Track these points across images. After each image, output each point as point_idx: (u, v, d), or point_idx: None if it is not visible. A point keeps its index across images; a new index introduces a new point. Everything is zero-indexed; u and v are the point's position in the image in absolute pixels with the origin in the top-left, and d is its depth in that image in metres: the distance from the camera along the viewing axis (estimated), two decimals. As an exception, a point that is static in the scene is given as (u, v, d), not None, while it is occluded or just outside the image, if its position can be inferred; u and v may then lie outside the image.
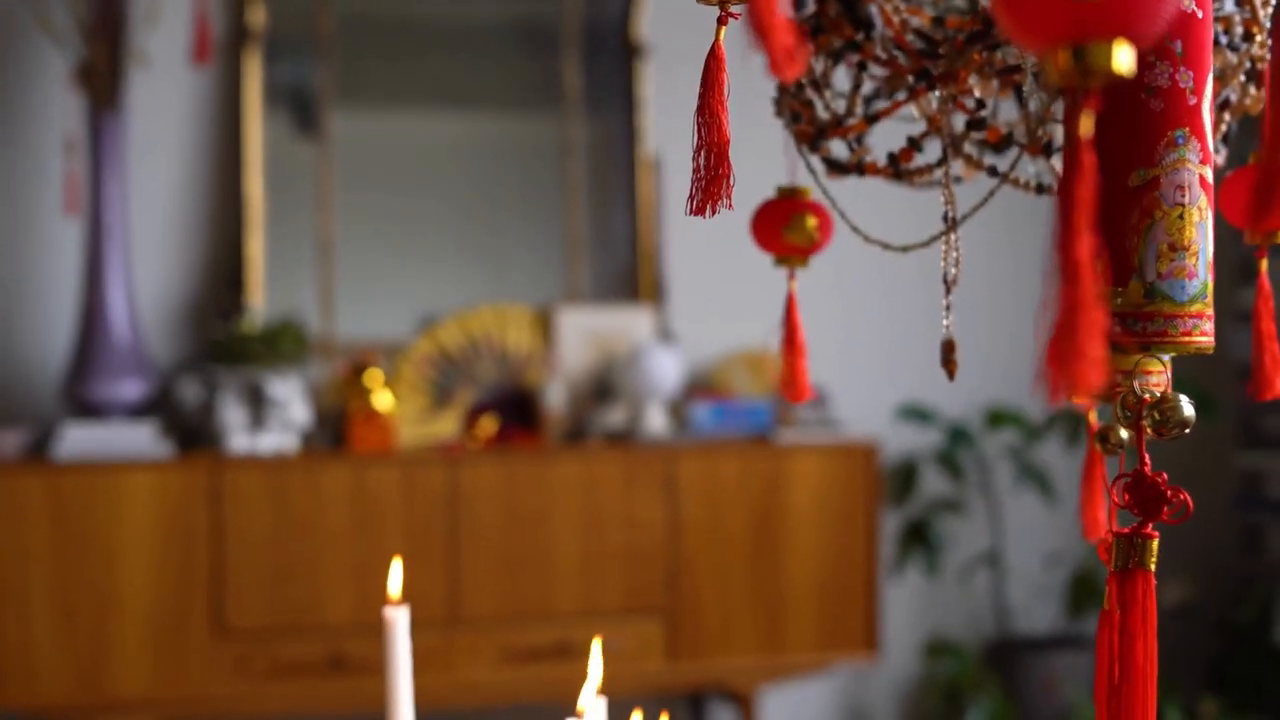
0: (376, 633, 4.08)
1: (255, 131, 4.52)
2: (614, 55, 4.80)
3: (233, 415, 4.13)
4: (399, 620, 1.70)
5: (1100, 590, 4.45)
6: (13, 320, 4.42)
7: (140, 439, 4.10)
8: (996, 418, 4.64)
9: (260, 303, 4.46)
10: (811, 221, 1.56)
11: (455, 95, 4.74)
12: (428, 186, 4.74)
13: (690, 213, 1.36)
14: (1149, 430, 1.00)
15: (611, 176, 4.79)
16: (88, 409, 4.17)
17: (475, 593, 4.20)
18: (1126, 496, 1.01)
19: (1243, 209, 1.50)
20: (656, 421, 4.40)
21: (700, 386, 4.73)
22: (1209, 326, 0.99)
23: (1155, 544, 1.00)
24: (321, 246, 4.56)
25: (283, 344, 4.25)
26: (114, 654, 4.03)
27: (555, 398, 4.45)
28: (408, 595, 4.15)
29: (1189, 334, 0.98)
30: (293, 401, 4.18)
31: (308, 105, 4.62)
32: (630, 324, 4.63)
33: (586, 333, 4.61)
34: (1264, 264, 1.58)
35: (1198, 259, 0.97)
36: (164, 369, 4.42)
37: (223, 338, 4.28)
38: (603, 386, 4.59)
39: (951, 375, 1.26)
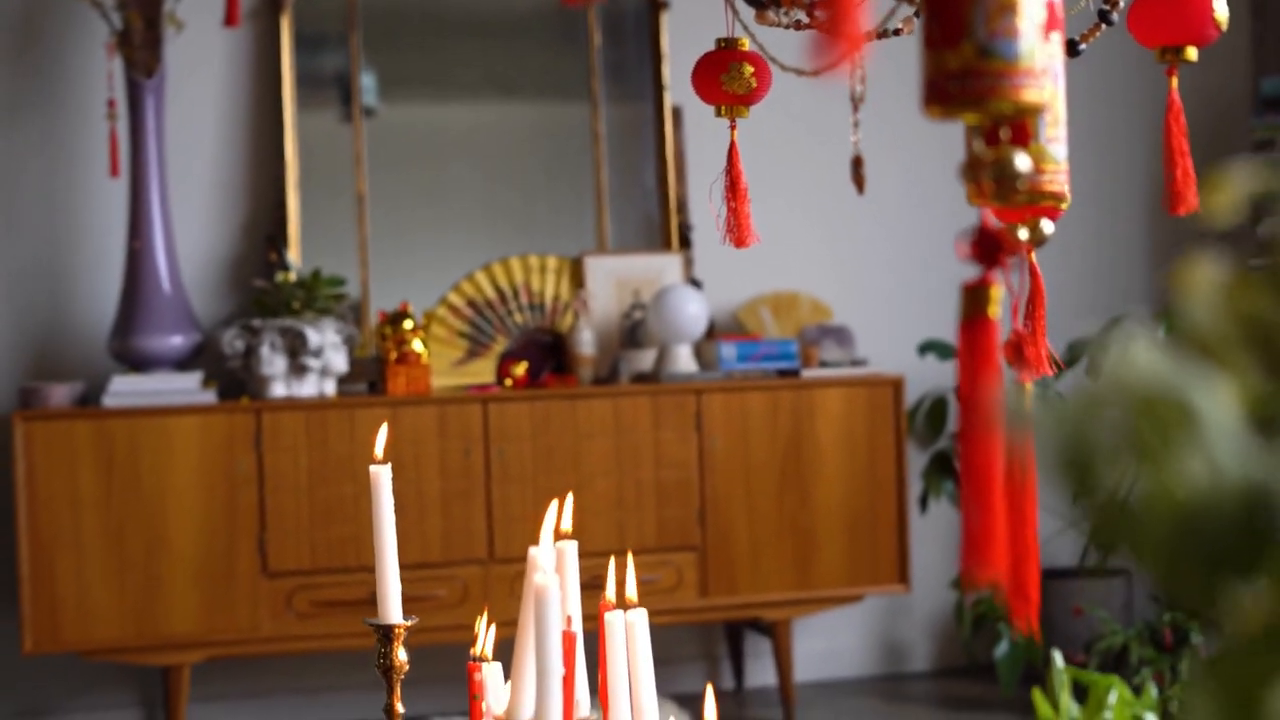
0: (415, 569, 4.23)
1: (290, 94, 4.67)
2: (636, 9, 4.93)
3: (273, 364, 4.29)
4: (383, 476, 1.83)
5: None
6: (62, 280, 4.60)
7: (185, 389, 4.27)
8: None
9: (298, 259, 4.61)
10: (748, 69, 1.68)
11: (482, 48, 4.87)
12: (458, 146, 4.87)
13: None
14: (989, 188, 1.12)
15: (636, 129, 4.91)
16: (135, 363, 4.34)
17: (509, 530, 4.33)
18: (972, 249, 1.12)
19: (1148, 31, 1.61)
20: (684, 362, 4.53)
21: (726, 330, 4.85)
22: (1038, 84, 1.10)
23: (996, 292, 1.12)
24: (357, 203, 4.70)
25: (321, 294, 4.40)
26: (164, 595, 4.19)
27: (586, 343, 4.59)
28: (449, 534, 4.30)
29: (1018, 90, 1.09)
30: (331, 349, 4.33)
31: (341, 85, 4.76)
32: (657, 271, 4.76)
33: (615, 280, 4.74)
34: (1174, 82, 1.69)
35: (1025, 19, 1.09)
36: (207, 323, 4.59)
37: (263, 290, 4.44)
38: (632, 332, 4.72)
39: (860, 189, 1.37)
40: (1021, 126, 1.25)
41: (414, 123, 4.86)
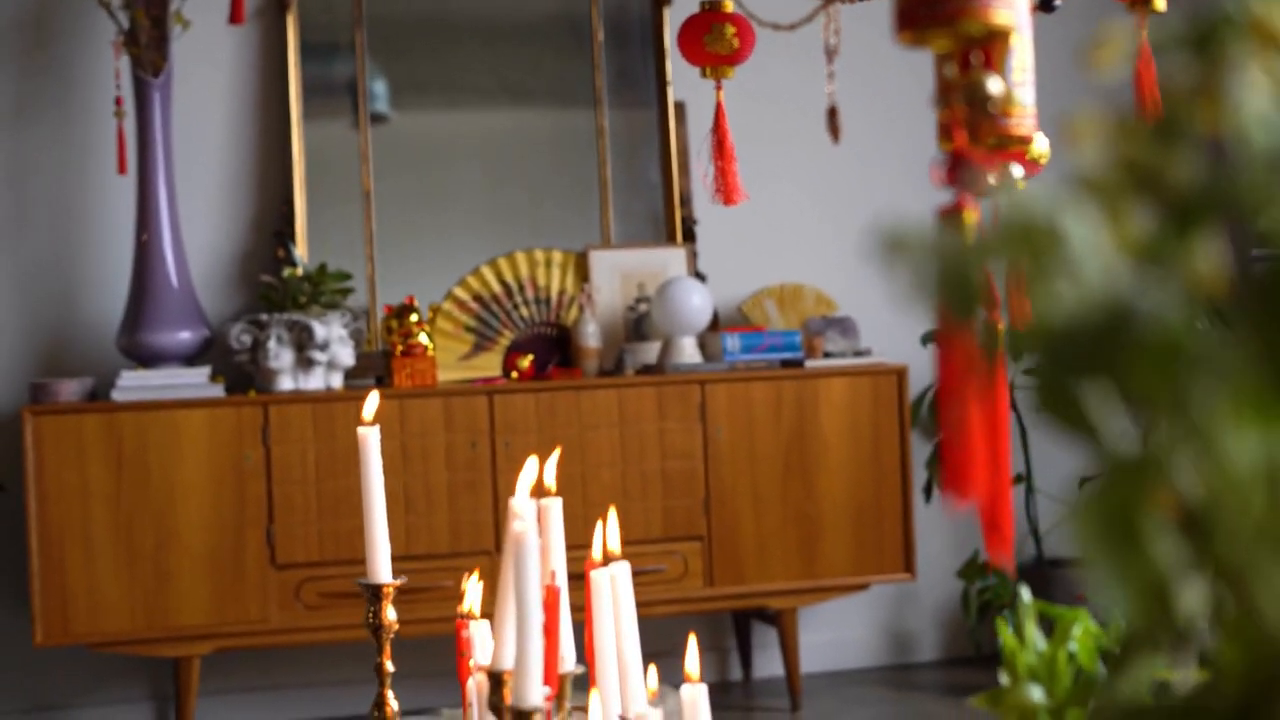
0: (421, 562, 4.26)
1: (296, 92, 4.70)
2: (640, 7, 4.96)
3: (280, 357, 4.32)
4: (371, 438, 1.86)
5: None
6: (71, 277, 4.64)
7: (193, 383, 4.31)
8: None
9: (305, 255, 4.64)
10: (730, 30, 1.70)
11: (487, 46, 4.90)
12: (465, 147, 4.91)
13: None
14: (961, 113, 1.14)
15: (640, 124, 4.94)
16: (143, 358, 4.37)
17: (517, 521, 4.35)
18: (947, 174, 1.15)
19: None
20: (688, 353, 4.55)
21: (730, 324, 4.88)
22: (1008, 6, 1.12)
23: (970, 216, 1.14)
24: (364, 200, 4.74)
25: (327, 288, 4.44)
26: (173, 587, 4.22)
27: (591, 336, 4.61)
28: (456, 526, 4.33)
29: (987, 11, 1.11)
30: (337, 343, 4.36)
31: (350, 89, 4.80)
32: (662, 264, 4.78)
33: (620, 274, 4.77)
34: (1144, 33, 1.71)
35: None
36: (215, 319, 4.62)
37: (269, 285, 4.48)
38: (636, 325, 4.75)
39: (835, 138, 1.39)
40: (992, 53, 1.28)
41: (423, 128, 4.89)
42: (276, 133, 4.74)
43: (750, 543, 4.48)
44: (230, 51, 4.74)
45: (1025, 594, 1.40)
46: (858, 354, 4.66)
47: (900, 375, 4.58)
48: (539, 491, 1.78)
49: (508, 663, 1.61)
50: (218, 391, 4.32)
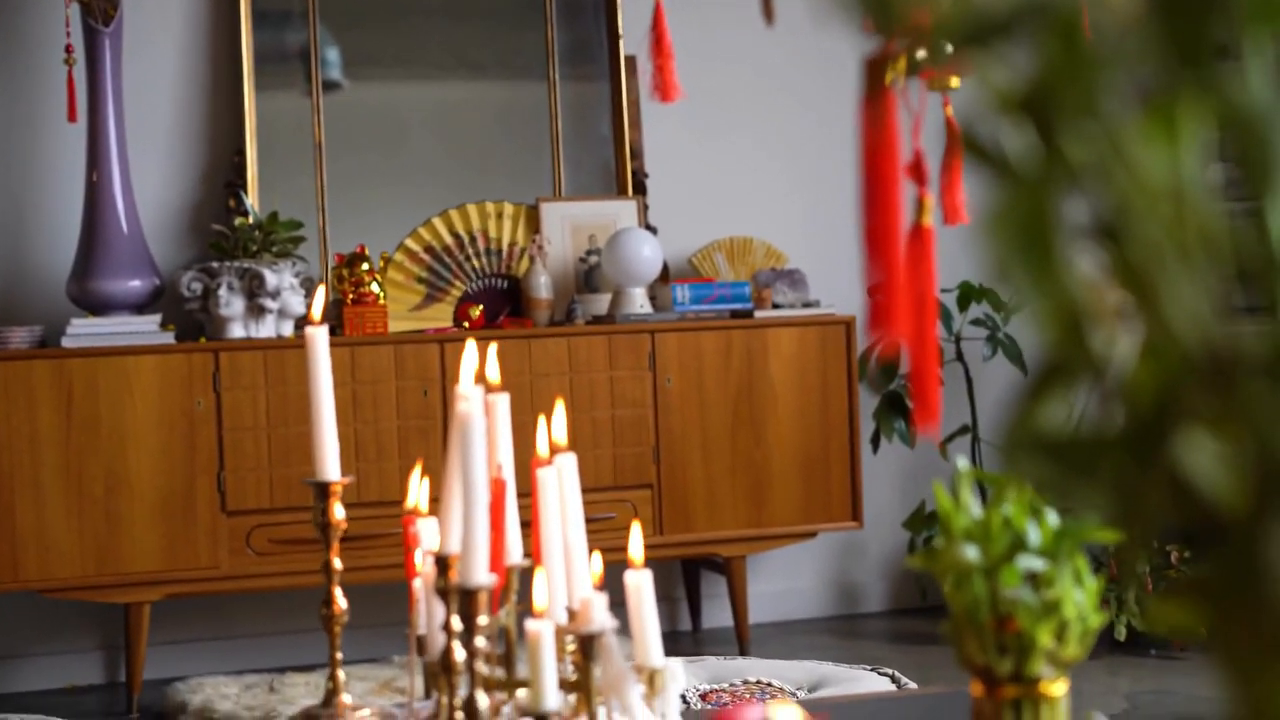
0: (372, 509, 4.27)
1: (248, 43, 4.70)
2: (591, -40, 4.97)
3: (231, 305, 4.32)
4: (319, 337, 1.87)
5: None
6: (22, 225, 4.63)
7: (143, 330, 4.30)
8: (969, 294, 4.79)
9: (256, 207, 4.64)
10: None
11: (440, 17, 4.91)
12: (414, 93, 4.91)
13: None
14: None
15: (592, 77, 4.96)
16: (93, 306, 4.37)
17: (467, 469, 4.37)
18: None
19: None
20: (639, 303, 4.57)
21: (681, 276, 4.90)
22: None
23: (898, 65, 1.16)
24: (315, 151, 4.74)
25: (279, 236, 4.44)
26: (124, 533, 4.22)
27: (542, 287, 4.63)
28: (407, 473, 4.34)
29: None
30: (288, 291, 4.36)
31: (304, 53, 4.79)
32: (613, 216, 4.80)
33: (571, 225, 4.79)
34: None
35: None
36: (165, 270, 4.61)
37: (220, 234, 4.47)
38: (587, 276, 4.76)
39: (769, 20, 1.42)
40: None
41: (377, 97, 4.88)
42: (228, 85, 4.73)
43: (699, 491, 4.52)
44: (183, 3, 4.72)
45: (961, 462, 1.43)
46: (806, 305, 4.70)
47: (848, 326, 4.62)
48: (486, 386, 1.80)
49: (454, 546, 1.63)
50: (168, 339, 4.31)
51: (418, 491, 1.85)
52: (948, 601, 1.37)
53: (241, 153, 4.67)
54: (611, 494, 4.44)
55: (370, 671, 4.25)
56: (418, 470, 1.85)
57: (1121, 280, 0.61)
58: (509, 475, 1.79)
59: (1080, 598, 1.35)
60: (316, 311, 1.89)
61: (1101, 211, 0.61)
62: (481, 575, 1.55)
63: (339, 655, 1.90)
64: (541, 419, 1.92)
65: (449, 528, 1.63)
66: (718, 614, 4.96)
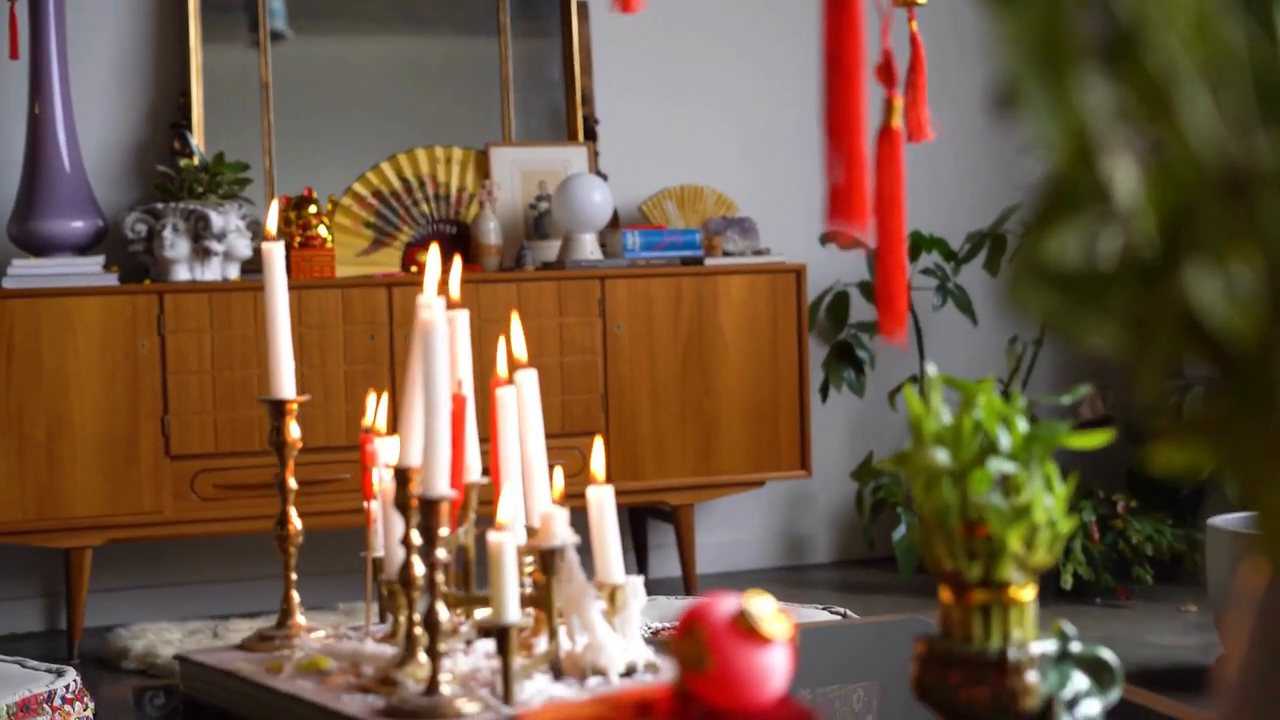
0: (319, 454, 4.23)
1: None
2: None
3: (176, 246, 4.27)
4: (276, 252, 1.84)
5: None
6: (-39, 165, 4.55)
7: (87, 272, 4.24)
8: (919, 243, 4.79)
9: (202, 147, 4.58)
10: None
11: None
12: (362, 35, 4.86)
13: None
14: None
15: (542, 21, 4.92)
16: (35, 247, 4.30)
17: (415, 414, 4.34)
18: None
19: None
20: (589, 250, 4.55)
21: (630, 223, 4.88)
22: None
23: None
24: (262, 91, 4.68)
25: (224, 178, 4.38)
26: (65, 477, 4.17)
27: (491, 232, 4.60)
28: (354, 418, 4.30)
29: None
30: (234, 234, 4.31)
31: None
32: (563, 163, 4.77)
33: (520, 171, 4.75)
34: None
35: None
36: (110, 211, 4.55)
37: (165, 175, 4.42)
38: (537, 223, 4.74)
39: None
40: None
41: (321, 50, 4.83)
42: (174, 27, 4.66)
43: (648, 439, 4.50)
44: (125, -61, 4.66)
45: (931, 368, 1.42)
46: (757, 254, 4.69)
47: (799, 274, 4.61)
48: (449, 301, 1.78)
49: (415, 459, 1.61)
50: (111, 281, 4.26)
51: (376, 410, 1.83)
52: (917, 506, 1.36)
53: (186, 94, 4.60)
54: (560, 441, 4.42)
55: (315, 618, 4.22)
56: (372, 397, 1.83)
57: (1137, 97, 0.59)
58: (468, 392, 1.77)
59: (1050, 503, 1.34)
60: (272, 225, 1.86)
61: (1117, 24, 0.59)
62: (444, 485, 1.53)
63: (293, 576, 1.88)
64: (500, 338, 1.90)
65: (409, 441, 1.60)
66: (665, 564, 4.96)
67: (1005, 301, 0.64)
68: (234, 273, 4.35)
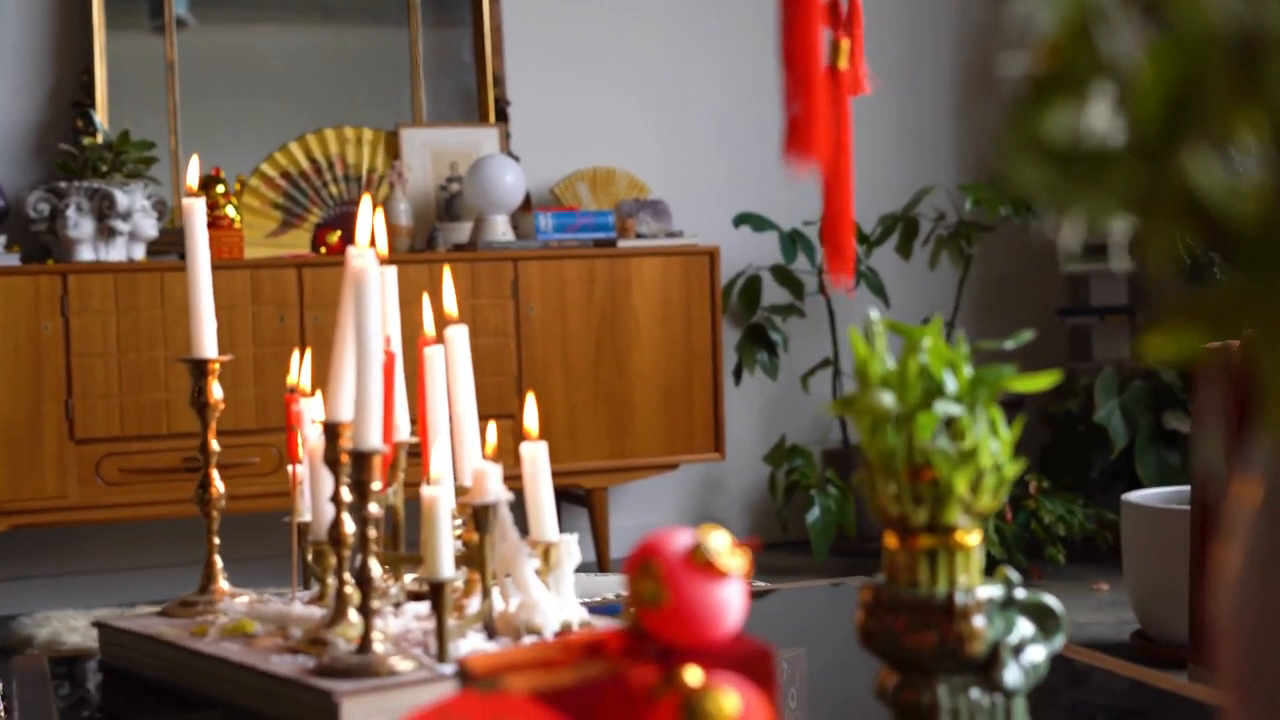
0: (227, 438, 4.17)
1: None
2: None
3: (80, 226, 4.19)
4: (197, 208, 1.80)
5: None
6: None
7: (-13, 252, 4.16)
8: (831, 227, 4.79)
9: (106, 126, 4.50)
10: None
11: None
12: (268, 24, 4.79)
13: None
14: None
15: (453, 5, 4.87)
16: (-66, 227, 4.21)
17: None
18: None
19: None
20: (501, 231, 4.52)
21: (542, 205, 4.85)
22: None
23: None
24: (167, 70, 4.60)
25: (129, 156, 4.31)
26: (-33, 461, 4.08)
27: (402, 214, 4.55)
28: (263, 400, 4.24)
29: None
30: (140, 213, 4.24)
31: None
32: (474, 144, 4.73)
33: (431, 152, 4.71)
34: None
35: None
36: (11, 189, 4.46)
37: (68, 154, 4.33)
38: (448, 205, 4.69)
39: None
40: None
41: (226, 27, 4.76)
42: (76, 5, 4.57)
43: (561, 422, 4.47)
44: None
45: (875, 313, 1.40)
46: (670, 236, 4.67)
47: (712, 256, 4.60)
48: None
49: (345, 413, 1.57)
50: (13, 261, 4.17)
51: (300, 368, 1.79)
52: (863, 450, 1.34)
53: (90, 73, 4.52)
54: (473, 424, 4.37)
55: (225, 603, 4.16)
56: (296, 354, 1.79)
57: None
58: (397, 349, 1.73)
59: (996, 447, 1.33)
60: (193, 179, 1.82)
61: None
62: (377, 438, 1.50)
63: (216, 540, 1.84)
64: (426, 296, 1.87)
65: (340, 395, 1.57)
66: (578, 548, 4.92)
67: (1002, 172, 0.62)
68: (140, 253, 4.27)
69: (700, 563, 1.04)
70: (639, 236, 4.63)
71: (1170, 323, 0.65)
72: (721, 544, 1.06)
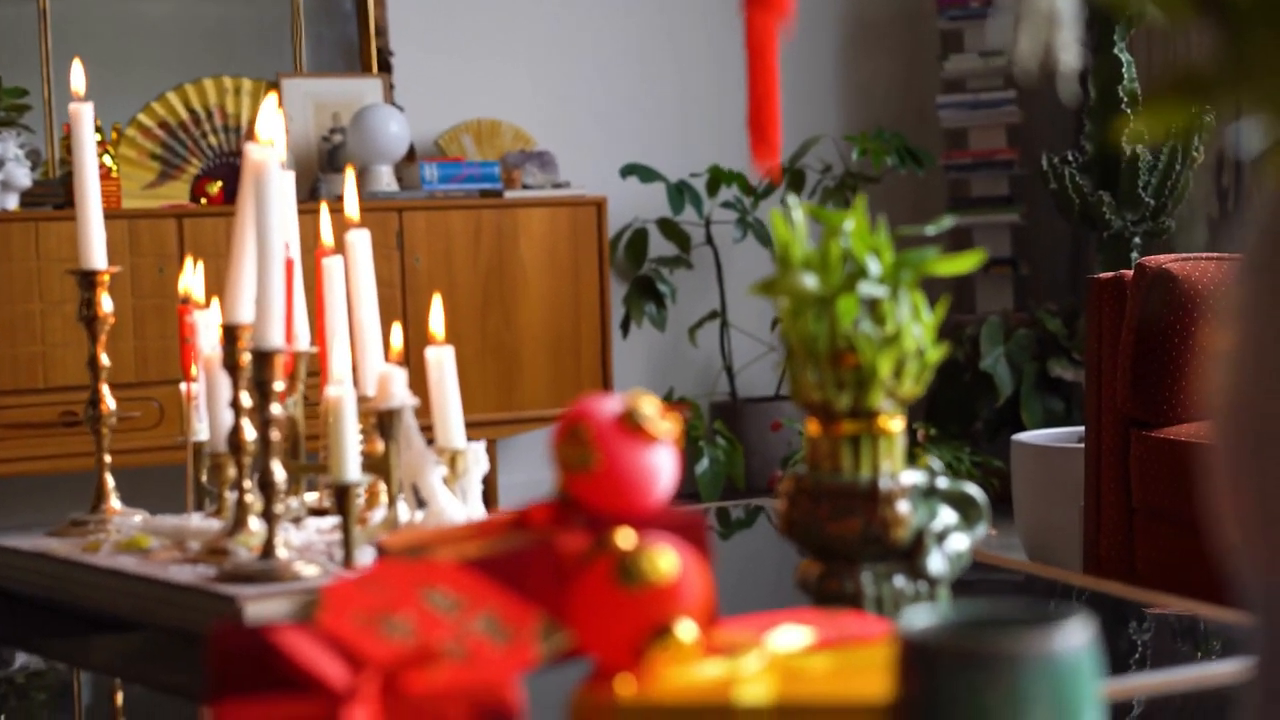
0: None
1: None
2: None
3: (-51, 175, 4.07)
4: (85, 112, 1.73)
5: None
6: None
7: None
8: (719, 177, 4.78)
9: (-24, 75, 4.37)
10: None
11: None
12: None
13: None
14: None
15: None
16: None
17: (207, 350, 4.20)
18: None
19: None
20: (385, 181, 4.45)
21: (428, 156, 4.78)
22: None
23: None
24: (39, 19, 4.48)
25: (1, 103, 4.19)
26: None
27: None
28: (143, 354, 4.15)
29: None
30: (12, 162, 4.12)
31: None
32: (357, 95, 4.65)
33: (313, 103, 4.62)
34: None
35: None
36: (-124, 140, 4.32)
37: (-64, 101, 4.21)
38: (331, 156, 4.61)
39: None
40: None
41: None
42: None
43: (449, 374, 4.41)
44: None
45: (794, 199, 1.38)
46: (556, 186, 4.63)
47: (600, 207, 4.56)
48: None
49: (245, 315, 1.52)
50: (-120, 211, 4.04)
51: (191, 277, 1.73)
52: (784, 336, 1.32)
53: (-42, 20, 4.39)
54: (358, 376, 4.31)
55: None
56: (190, 261, 1.73)
57: None
58: (295, 255, 1.68)
59: (919, 331, 1.31)
60: (78, 84, 1.75)
61: None
62: (279, 337, 1.45)
63: (107, 458, 1.78)
64: (324, 205, 1.82)
65: (239, 296, 1.51)
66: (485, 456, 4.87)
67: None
68: (12, 203, 4.15)
69: (631, 427, 1.00)
70: (525, 188, 4.58)
71: (1156, 99, 0.63)
72: (651, 409, 1.03)
